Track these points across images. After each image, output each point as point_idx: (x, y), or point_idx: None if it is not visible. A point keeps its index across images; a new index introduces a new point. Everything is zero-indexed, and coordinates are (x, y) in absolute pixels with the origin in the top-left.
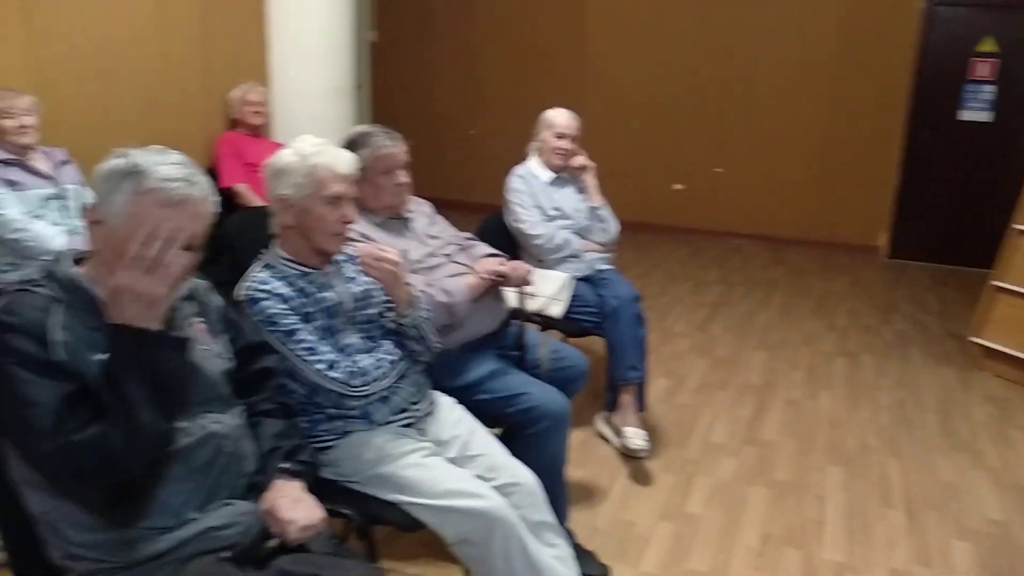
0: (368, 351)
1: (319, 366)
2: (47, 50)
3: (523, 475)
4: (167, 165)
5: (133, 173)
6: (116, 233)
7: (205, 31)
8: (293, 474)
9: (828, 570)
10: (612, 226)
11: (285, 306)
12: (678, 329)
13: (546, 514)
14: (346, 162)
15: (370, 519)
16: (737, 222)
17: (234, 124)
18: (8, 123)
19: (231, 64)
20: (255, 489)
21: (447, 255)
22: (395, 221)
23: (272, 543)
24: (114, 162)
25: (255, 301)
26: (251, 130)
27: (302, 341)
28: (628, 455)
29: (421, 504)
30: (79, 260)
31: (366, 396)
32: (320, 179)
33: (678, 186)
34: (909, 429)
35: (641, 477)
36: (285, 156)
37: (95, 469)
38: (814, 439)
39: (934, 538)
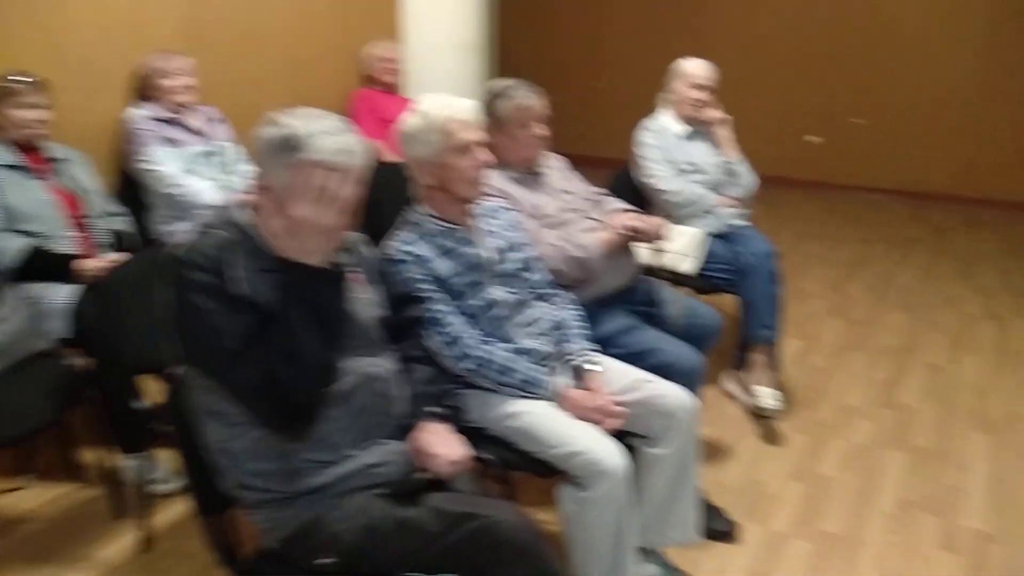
0: (517, 306)
1: (439, 338)
2: (202, 11)
3: (673, 393)
4: (323, 134)
5: (291, 147)
6: (282, 196)
7: None
8: (439, 417)
9: (970, 539)
10: (748, 181)
11: (423, 271)
12: (812, 289)
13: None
14: (468, 109)
15: (506, 464)
16: (877, 176)
17: (368, 81)
18: (166, 83)
19: (366, 21)
20: (405, 430)
21: (581, 210)
22: (530, 176)
23: (421, 476)
24: (271, 132)
25: (397, 262)
26: (385, 87)
27: (431, 310)
28: (758, 415)
29: (542, 453)
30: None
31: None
32: (447, 131)
33: (811, 138)
34: None
35: (771, 437)
36: (410, 121)
37: (267, 391)
38: (957, 405)
39: None
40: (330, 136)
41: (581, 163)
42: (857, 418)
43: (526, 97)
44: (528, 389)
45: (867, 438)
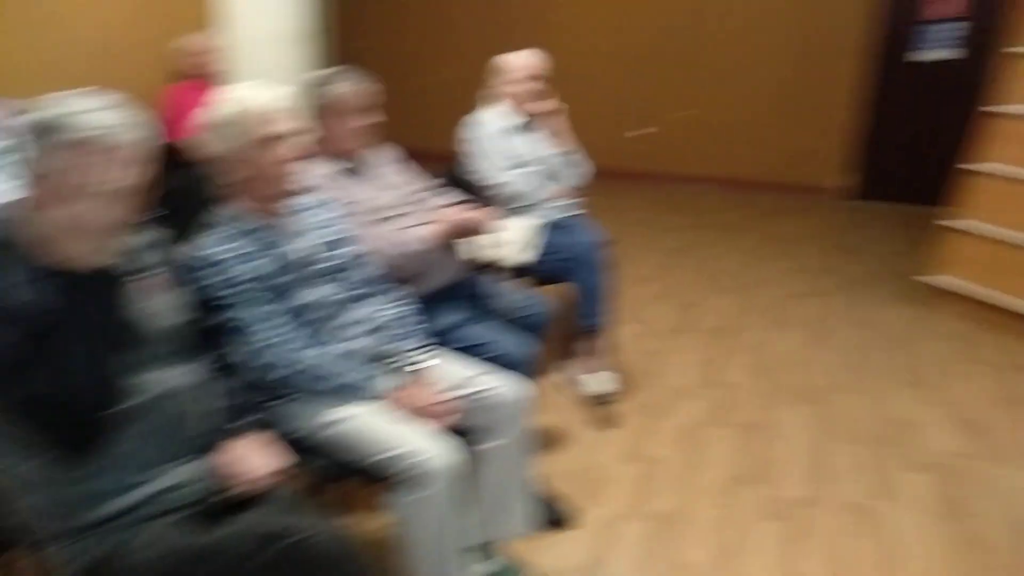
0: (339, 305)
1: (247, 346)
2: None
3: (504, 386)
4: (84, 112)
5: (50, 128)
6: (49, 188)
7: None
8: (250, 429)
9: (789, 506)
10: (582, 171)
11: (228, 274)
12: (643, 275)
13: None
14: (277, 99)
15: (329, 474)
16: (704, 166)
17: (182, 74)
18: None
19: (183, 11)
20: (210, 447)
21: (412, 203)
22: (358, 168)
23: (230, 495)
24: (30, 117)
25: (199, 266)
26: (200, 80)
27: (236, 317)
28: (593, 400)
29: (367, 458)
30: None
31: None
32: (253, 123)
33: (641, 131)
34: (869, 367)
35: (606, 421)
36: (214, 113)
37: (42, 413)
38: (777, 379)
39: (893, 472)
40: (92, 113)
41: (425, 157)
42: (687, 398)
43: (352, 86)
44: (349, 393)
45: (696, 417)
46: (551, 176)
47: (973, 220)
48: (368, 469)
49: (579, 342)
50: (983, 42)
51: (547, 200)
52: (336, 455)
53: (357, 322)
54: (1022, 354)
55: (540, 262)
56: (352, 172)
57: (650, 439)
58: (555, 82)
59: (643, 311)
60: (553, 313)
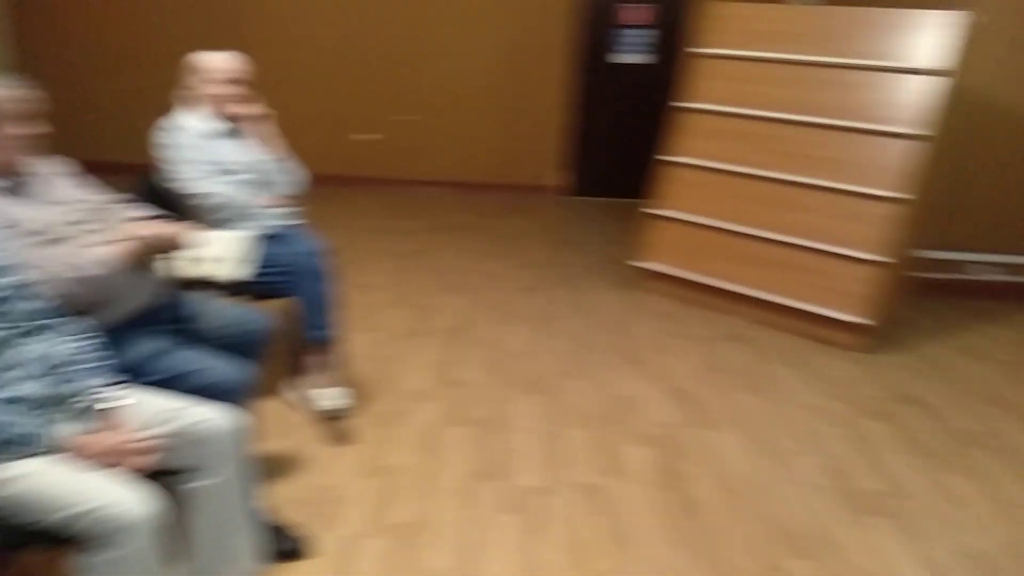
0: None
1: None
2: None
3: (214, 416)
4: None
5: None
6: None
7: None
8: None
9: (527, 496)
10: (297, 178)
11: None
12: (374, 281)
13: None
14: None
15: (2, 543)
16: (427, 170)
17: None
18: None
19: None
20: None
21: (90, 221)
22: (20, 183)
23: None
24: None
25: None
26: None
27: None
28: (326, 417)
29: (42, 521)
30: None
31: None
32: None
33: (365, 135)
34: (593, 351)
35: (340, 438)
36: None
37: None
38: (509, 372)
39: (617, 449)
40: None
41: (114, 170)
42: (423, 401)
43: (4, 92)
44: (17, 446)
45: (433, 419)
46: (263, 184)
47: (671, 208)
48: (50, 532)
49: (308, 357)
50: (671, 48)
51: (261, 210)
52: (8, 520)
53: (25, 362)
54: (723, 327)
55: (258, 276)
56: (11, 189)
57: (388, 449)
58: (272, 86)
59: (376, 318)
60: (275, 330)
